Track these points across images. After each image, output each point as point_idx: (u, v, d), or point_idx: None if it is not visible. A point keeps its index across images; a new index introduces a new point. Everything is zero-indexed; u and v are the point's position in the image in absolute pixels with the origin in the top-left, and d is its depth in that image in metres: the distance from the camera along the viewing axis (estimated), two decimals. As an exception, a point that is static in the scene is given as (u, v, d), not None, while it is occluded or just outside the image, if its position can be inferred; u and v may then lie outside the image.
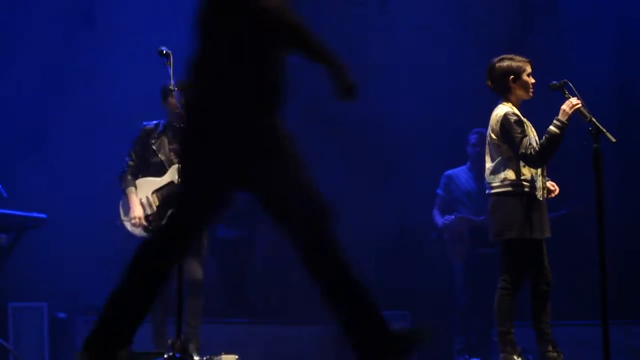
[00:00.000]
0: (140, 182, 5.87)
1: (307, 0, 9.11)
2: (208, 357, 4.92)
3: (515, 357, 5.13)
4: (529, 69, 5.30)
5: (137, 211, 5.79)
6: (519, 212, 5.15)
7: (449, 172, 7.87)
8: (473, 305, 7.53)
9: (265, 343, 7.45)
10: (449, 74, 8.83)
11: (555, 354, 5.14)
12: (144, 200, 5.81)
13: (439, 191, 7.86)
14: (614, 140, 4.99)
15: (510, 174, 5.20)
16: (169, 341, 4.74)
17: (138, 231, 5.75)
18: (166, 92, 5.74)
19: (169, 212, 4.82)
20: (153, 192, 5.81)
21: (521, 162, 5.17)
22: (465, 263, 7.62)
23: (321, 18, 9.17)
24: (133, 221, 5.77)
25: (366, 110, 8.96)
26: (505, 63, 5.30)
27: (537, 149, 5.12)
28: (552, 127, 5.10)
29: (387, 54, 9.16)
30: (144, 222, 5.76)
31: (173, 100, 5.72)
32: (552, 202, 5.47)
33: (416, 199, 8.31)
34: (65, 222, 7.52)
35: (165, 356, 4.58)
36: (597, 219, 4.92)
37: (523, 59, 5.32)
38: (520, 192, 5.18)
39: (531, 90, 5.32)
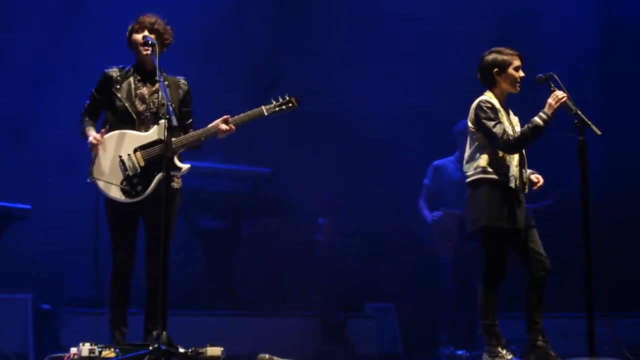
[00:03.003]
0: (120, 134, 5.10)
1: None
2: (193, 348, 4.90)
3: (499, 349, 5.15)
4: (516, 63, 5.28)
5: (94, 133, 5.08)
6: (488, 200, 5.16)
7: (437, 162, 7.88)
8: (460, 298, 7.55)
9: (250, 335, 7.44)
10: (435, 64, 8.84)
11: (544, 343, 5.16)
12: (125, 157, 5.05)
13: (425, 181, 7.86)
14: (599, 132, 5.01)
15: (481, 162, 5.21)
16: (154, 333, 4.72)
17: (112, 193, 5.04)
18: (130, 31, 5.19)
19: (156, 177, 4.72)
20: (136, 150, 5.08)
21: (493, 150, 5.17)
22: (454, 257, 7.64)
23: (307, 9, 9.17)
24: (92, 140, 5.02)
25: (351, 102, 8.98)
26: (492, 56, 5.31)
27: (515, 135, 5.13)
28: (536, 118, 5.11)
29: (372, 45, 9.16)
30: (100, 140, 5.01)
31: (137, 37, 5.15)
32: (538, 192, 5.48)
33: (403, 191, 8.32)
34: (50, 214, 7.50)
35: (151, 348, 4.56)
36: (582, 211, 4.94)
37: (512, 52, 5.31)
38: (490, 180, 5.18)
39: (518, 84, 5.30)
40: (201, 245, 8.44)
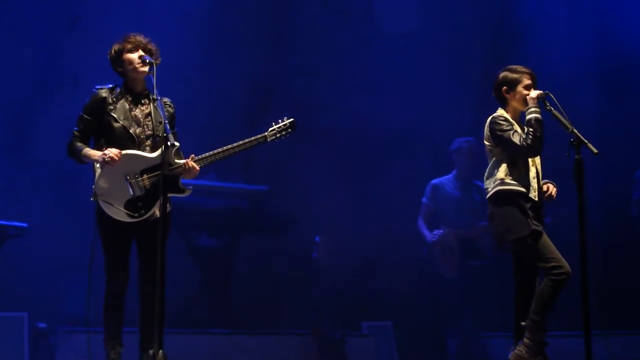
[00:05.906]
0: (126, 155, 4.98)
1: (289, 8, 9.16)
2: (190, 367, 4.90)
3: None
4: (526, 81, 5.29)
5: (110, 149, 4.95)
6: (511, 211, 5.15)
7: (435, 181, 7.89)
8: (461, 316, 7.57)
9: (247, 353, 7.43)
10: (432, 82, 8.86)
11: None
12: (132, 180, 4.97)
13: (424, 200, 7.88)
14: (595, 151, 5.02)
15: (500, 174, 5.23)
16: (151, 352, 4.70)
17: (115, 213, 4.97)
18: (120, 51, 5.09)
19: (160, 201, 4.66)
20: (143, 172, 5.00)
21: (511, 162, 5.19)
22: (457, 275, 7.64)
23: (304, 26, 9.20)
24: (107, 157, 4.91)
25: (349, 119, 9.00)
26: (502, 74, 5.35)
27: (529, 137, 5.14)
28: (532, 115, 5.15)
29: (370, 62, 9.18)
30: (118, 156, 4.93)
31: (132, 56, 5.07)
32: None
33: (400, 209, 8.32)
34: (46, 232, 7.48)
35: (147, 367, 4.56)
36: (579, 230, 4.94)
37: (523, 70, 5.32)
38: (510, 191, 5.19)
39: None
40: (197, 263, 8.43)
